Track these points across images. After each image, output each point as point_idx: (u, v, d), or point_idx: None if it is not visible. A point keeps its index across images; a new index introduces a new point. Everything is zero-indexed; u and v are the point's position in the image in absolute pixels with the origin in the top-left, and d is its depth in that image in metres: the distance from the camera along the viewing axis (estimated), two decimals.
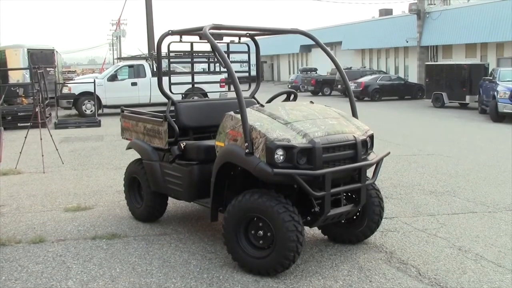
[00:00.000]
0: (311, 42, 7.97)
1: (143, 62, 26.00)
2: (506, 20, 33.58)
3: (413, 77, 41.88)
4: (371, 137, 6.37)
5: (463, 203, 8.74)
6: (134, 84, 24.84)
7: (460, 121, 22.21)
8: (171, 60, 8.60)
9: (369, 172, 6.31)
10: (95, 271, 5.99)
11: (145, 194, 7.66)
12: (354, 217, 6.67)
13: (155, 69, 24.48)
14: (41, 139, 12.01)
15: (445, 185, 10.01)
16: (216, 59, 7.45)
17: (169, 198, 7.68)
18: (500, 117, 21.54)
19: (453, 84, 28.63)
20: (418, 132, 18.45)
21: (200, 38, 7.31)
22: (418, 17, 41.17)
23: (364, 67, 47.05)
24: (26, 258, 6.42)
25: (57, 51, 32.18)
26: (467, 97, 28.04)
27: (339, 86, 38.04)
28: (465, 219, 7.87)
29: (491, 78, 24.01)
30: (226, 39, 7.54)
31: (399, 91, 35.86)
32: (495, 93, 21.90)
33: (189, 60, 8.42)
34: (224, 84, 20.62)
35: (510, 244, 6.78)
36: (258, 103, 6.98)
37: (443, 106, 28.89)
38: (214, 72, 9.70)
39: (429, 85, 30.49)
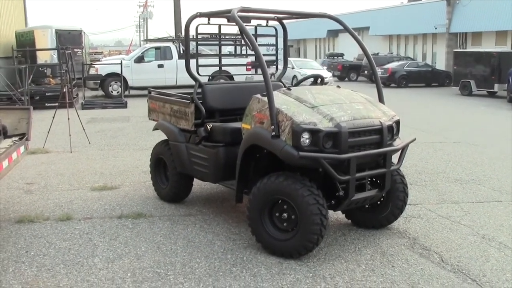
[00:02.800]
0: (338, 27, 7.96)
1: (169, 44, 26.03)
2: None
3: (441, 64, 41.44)
4: (397, 122, 6.36)
5: (488, 191, 8.70)
6: (160, 66, 24.88)
7: (488, 110, 22.00)
8: (199, 42, 8.61)
9: (394, 158, 6.31)
10: (120, 249, 6.09)
11: (170, 175, 7.72)
12: (378, 202, 6.68)
13: (181, 51, 24.52)
14: (68, 119, 12.13)
15: (470, 173, 9.96)
16: (243, 42, 7.46)
17: (195, 179, 7.74)
18: None
19: (481, 72, 28.31)
20: (444, 119, 18.32)
21: (228, 21, 7.33)
22: (447, 3, 40.65)
23: (392, 53, 46.62)
24: (54, 235, 6.54)
25: (84, 32, 32.31)
26: (496, 86, 27.70)
27: (366, 72, 37.80)
28: (489, 207, 7.84)
29: None
30: (254, 22, 7.55)
31: (426, 78, 35.54)
32: None
33: (217, 42, 8.44)
34: (250, 67, 20.62)
35: None
36: (285, 86, 7.00)
37: (470, 94, 28.60)
38: (241, 55, 9.71)
39: (457, 72, 30.18)
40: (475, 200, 8.19)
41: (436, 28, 42.07)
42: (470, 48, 39.29)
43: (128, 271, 5.50)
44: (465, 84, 29.02)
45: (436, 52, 45.62)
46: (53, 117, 12.52)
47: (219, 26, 7.87)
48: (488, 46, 37.73)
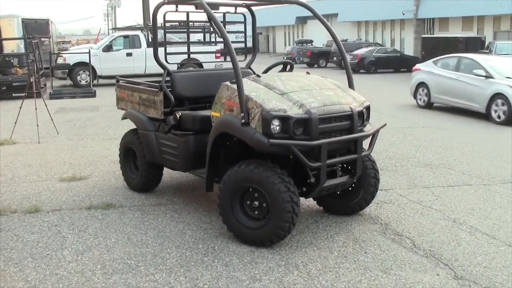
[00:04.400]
0: (307, 14, 7.94)
1: (138, 32, 25.83)
2: None
3: (409, 50, 41.73)
4: (368, 108, 6.35)
5: (458, 175, 8.75)
6: (129, 54, 24.68)
7: None
8: (167, 30, 8.52)
9: (365, 144, 6.30)
10: (90, 241, 6.00)
11: (140, 164, 7.64)
12: (350, 188, 6.68)
13: (150, 40, 24.33)
14: (36, 109, 11.95)
15: (441, 157, 10.02)
16: (212, 30, 7.39)
17: (165, 168, 7.67)
18: None
19: None
20: (413, 104, 18.41)
21: (196, 8, 7.24)
22: None
23: (360, 39, 46.79)
24: (22, 227, 6.43)
25: (51, 21, 31.89)
26: None
27: (335, 58, 37.84)
28: (460, 191, 7.89)
29: (487, 51, 23.95)
30: (223, 9, 7.48)
31: (395, 63, 35.70)
32: None
33: (185, 30, 8.35)
34: (219, 55, 20.52)
35: (504, 216, 6.81)
36: (254, 73, 6.95)
37: None
38: (210, 43, 9.64)
39: (425, 57, 30.29)
40: (445, 184, 8.23)
41: (404, 14, 42.34)
42: (438, 34, 39.66)
43: (98, 263, 5.42)
44: None
45: (404, 38, 45.96)
46: (20, 108, 12.31)
47: (187, 13, 7.78)
48: (455, 32, 38.09)
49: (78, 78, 24.02)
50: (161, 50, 7.32)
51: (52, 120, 12.73)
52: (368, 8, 48.34)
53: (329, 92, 6.11)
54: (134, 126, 7.80)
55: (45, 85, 21.81)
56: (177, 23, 9.48)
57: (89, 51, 23.07)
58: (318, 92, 6.01)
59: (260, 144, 5.49)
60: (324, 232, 6.25)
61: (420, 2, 40.86)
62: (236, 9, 7.90)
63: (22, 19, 27.53)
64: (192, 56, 8.37)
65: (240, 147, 6.17)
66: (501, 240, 6.02)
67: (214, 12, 6.28)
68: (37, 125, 11.88)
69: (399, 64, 35.76)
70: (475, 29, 38.01)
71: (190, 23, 8.14)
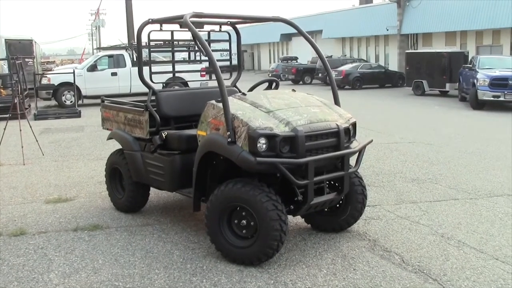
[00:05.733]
0: (292, 31, 7.96)
1: (123, 52, 25.82)
2: (485, 8, 33.74)
3: (394, 65, 41.94)
4: (354, 125, 6.36)
5: (445, 190, 8.77)
6: (114, 74, 24.66)
7: (441, 109, 22.31)
8: (152, 49, 8.51)
9: (352, 160, 6.30)
10: (77, 263, 5.94)
11: (126, 184, 7.60)
12: (337, 205, 6.67)
13: (135, 59, 24.32)
14: (20, 130, 11.88)
15: (427, 172, 10.04)
16: (197, 48, 7.39)
17: (151, 188, 7.63)
18: (480, 105, 21.69)
19: (433, 72, 28.76)
20: (399, 120, 18.51)
21: (181, 27, 7.24)
22: (398, 5, 41.19)
23: (345, 56, 47.07)
24: (7, 251, 6.35)
25: (35, 42, 31.87)
26: (447, 85, 28.17)
27: (320, 75, 38.01)
28: (447, 206, 7.90)
29: (470, 66, 24.14)
30: (207, 28, 7.50)
31: (379, 79, 35.92)
32: (475, 80, 22.03)
33: (170, 49, 8.35)
34: (204, 73, 20.52)
35: (491, 230, 6.83)
36: (240, 91, 6.94)
37: (423, 94, 29.01)
38: (195, 61, 9.64)
39: (409, 73, 30.59)
40: (432, 199, 8.24)
41: (387, 30, 42.68)
42: (421, 49, 39.95)
43: (85, 285, 5.36)
44: (418, 84, 29.44)
45: (388, 54, 46.26)
46: (5, 129, 12.24)
47: (172, 32, 7.78)
48: (439, 47, 38.42)
49: (63, 98, 23.96)
50: (146, 69, 7.31)
51: (37, 141, 12.65)
52: (352, 24, 48.71)
53: (315, 109, 6.11)
54: (120, 146, 7.76)
55: (29, 105, 21.73)
56: (162, 42, 9.46)
57: (74, 71, 23.00)
58: (304, 109, 6.01)
59: (247, 163, 5.48)
60: (312, 249, 6.23)
61: (404, 17, 41.17)
62: (220, 27, 7.91)
63: (5, 39, 27.48)
64: (177, 74, 8.35)
65: (226, 166, 6.15)
66: (489, 254, 6.02)
67: (198, 31, 6.28)
68: (22, 147, 11.80)
69: (384, 79, 36.00)
70: (458, 44, 38.33)
71: (174, 42, 8.13)
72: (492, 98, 21.25)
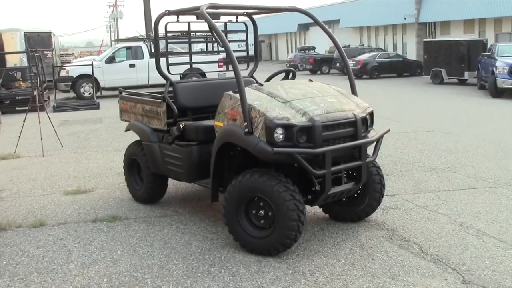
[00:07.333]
0: (309, 21, 7.94)
1: (140, 43, 25.91)
2: None
3: (412, 54, 41.71)
4: (371, 114, 6.33)
5: (464, 179, 8.72)
6: (132, 65, 24.75)
7: (459, 97, 22.14)
8: (169, 40, 8.52)
9: (370, 150, 6.28)
10: (96, 254, 5.98)
11: (145, 176, 7.63)
12: (355, 195, 6.65)
13: (152, 51, 24.38)
14: (39, 122, 11.96)
15: (445, 161, 9.99)
16: (214, 39, 7.39)
17: (169, 179, 7.66)
18: (499, 93, 21.50)
19: (451, 61, 28.54)
20: (417, 109, 18.41)
21: (197, 18, 7.24)
22: None
23: (363, 45, 46.76)
24: (27, 242, 6.41)
25: (54, 34, 32.02)
26: (466, 73, 27.94)
27: (338, 64, 37.90)
28: (466, 195, 7.85)
29: (489, 53, 23.93)
30: (224, 19, 7.48)
31: (397, 68, 35.72)
32: (494, 68, 21.84)
33: (187, 40, 8.35)
34: (222, 64, 20.55)
35: (511, 219, 6.77)
36: (257, 82, 6.93)
37: (442, 83, 28.80)
38: (212, 52, 9.64)
39: (427, 61, 30.38)
40: (451, 188, 8.20)
41: (405, 19, 42.32)
42: (439, 37, 39.59)
43: (104, 276, 5.40)
44: (436, 73, 29.22)
45: (406, 43, 45.92)
46: (24, 121, 12.32)
47: (189, 23, 7.77)
48: (457, 35, 38.04)
49: (82, 90, 24.09)
50: (163, 61, 7.32)
51: (56, 133, 12.73)
52: (370, 13, 48.39)
53: (332, 99, 6.09)
54: (137, 138, 7.79)
55: (48, 98, 21.87)
56: (179, 33, 9.46)
57: (92, 63, 23.11)
58: (321, 99, 5.99)
59: (264, 153, 5.48)
60: (330, 239, 6.22)
61: (421, 6, 40.87)
62: (237, 18, 7.89)
63: (24, 32, 27.63)
64: (194, 66, 8.37)
65: (244, 156, 6.16)
66: (509, 243, 5.98)
67: (215, 22, 6.28)
68: (41, 139, 11.89)
69: (402, 68, 35.79)
70: (476, 32, 37.94)
71: (191, 33, 8.13)
72: (511, 86, 21.05)
